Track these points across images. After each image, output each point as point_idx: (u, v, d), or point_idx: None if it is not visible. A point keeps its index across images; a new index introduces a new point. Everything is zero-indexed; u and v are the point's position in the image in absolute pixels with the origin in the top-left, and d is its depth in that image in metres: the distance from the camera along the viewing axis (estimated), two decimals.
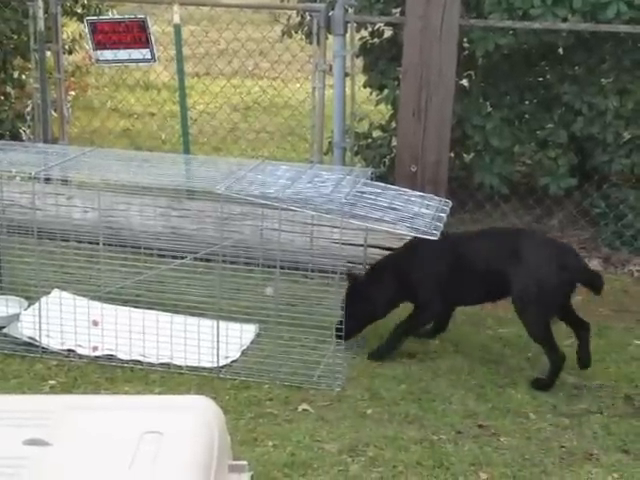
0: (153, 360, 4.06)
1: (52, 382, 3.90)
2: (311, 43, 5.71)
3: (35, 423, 1.82)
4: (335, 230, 4.89)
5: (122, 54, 5.78)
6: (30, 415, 1.86)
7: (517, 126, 5.76)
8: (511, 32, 5.36)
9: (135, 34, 5.68)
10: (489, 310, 4.39)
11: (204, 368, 4.03)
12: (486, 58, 5.66)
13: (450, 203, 4.29)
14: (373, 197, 4.10)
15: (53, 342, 4.13)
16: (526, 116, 5.82)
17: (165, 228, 5.30)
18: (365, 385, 3.96)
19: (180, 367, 4.03)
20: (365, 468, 3.34)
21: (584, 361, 4.05)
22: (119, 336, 4.06)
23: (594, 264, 5.21)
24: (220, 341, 4.04)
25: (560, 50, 5.71)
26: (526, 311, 3.99)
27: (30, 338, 4.14)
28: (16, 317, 4.27)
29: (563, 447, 3.54)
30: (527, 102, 5.82)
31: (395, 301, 4.25)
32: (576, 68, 5.67)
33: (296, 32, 6.12)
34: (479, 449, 3.49)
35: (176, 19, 5.77)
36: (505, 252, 4.03)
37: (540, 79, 5.89)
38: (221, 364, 4.04)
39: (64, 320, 4.07)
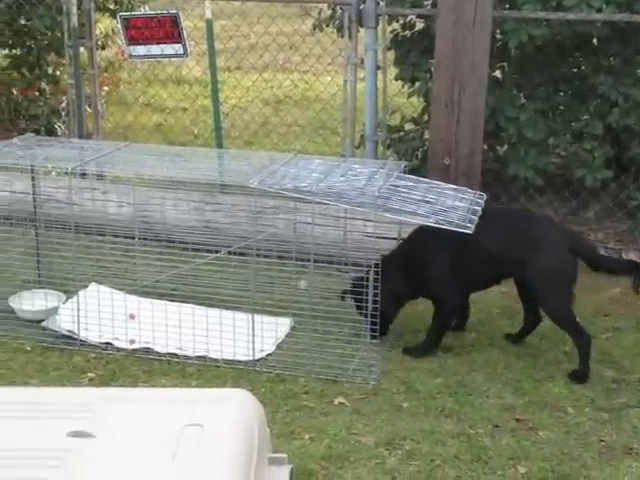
0: (189, 353, 4.09)
1: (91, 375, 3.94)
2: (342, 36, 5.70)
3: (78, 415, 1.84)
4: (368, 223, 4.90)
5: (155, 49, 5.81)
6: (73, 407, 1.88)
7: (551, 117, 5.70)
8: (545, 23, 5.30)
9: (167, 29, 5.70)
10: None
11: (240, 361, 4.04)
12: (519, 49, 5.60)
13: (484, 196, 4.26)
14: (406, 190, 4.09)
15: (91, 335, 4.17)
16: (561, 107, 5.76)
17: (199, 222, 5.33)
18: (400, 378, 3.95)
19: (216, 360, 4.05)
20: (402, 461, 3.33)
21: (519, 339, 4.28)
22: (156, 329, 4.09)
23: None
24: (255, 334, 4.06)
25: (595, 41, 5.64)
26: (549, 297, 3.99)
27: (69, 331, 4.19)
28: (55, 311, 4.32)
29: (602, 441, 3.51)
30: (562, 93, 5.76)
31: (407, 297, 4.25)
32: (611, 59, 5.59)
33: (327, 25, 6.09)
34: (517, 443, 3.47)
35: (208, 14, 5.79)
36: (517, 236, 4.02)
37: (575, 70, 5.82)
38: (256, 357, 4.06)
39: (102, 313, 4.11)
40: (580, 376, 3.94)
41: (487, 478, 3.26)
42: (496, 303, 4.68)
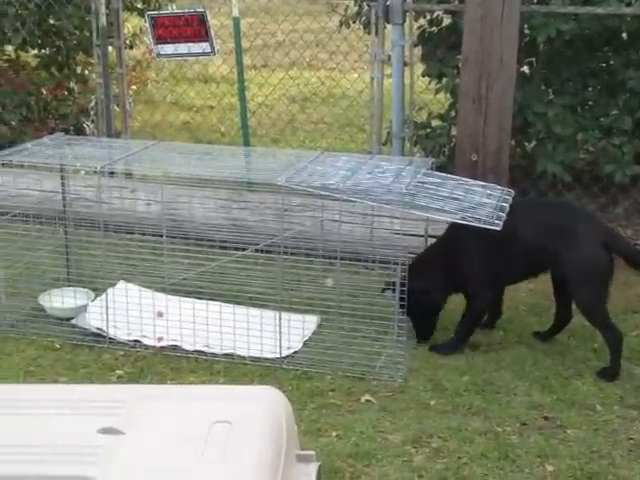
0: (217, 351, 4.10)
1: (119, 372, 3.98)
2: (369, 33, 5.69)
3: (108, 412, 1.86)
4: (395, 221, 4.89)
5: (182, 48, 5.84)
6: (103, 404, 1.90)
7: (580, 113, 5.66)
8: (573, 18, 5.26)
9: (195, 28, 5.73)
10: (553, 301, 4.32)
11: (267, 359, 4.06)
12: (548, 44, 5.56)
13: (512, 192, 4.23)
14: (434, 187, 4.07)
15: (120, 333, 4.20)
16: (589, 103, 5.71)
17: (226, 220, 5.35)
18: (427, 376, 3.94)
19: (243, 358, 4.07)
20: (429, 459, 3.33)
21: (548, 337, 4.24)
22: (183, 327, 4.12)
23: None
24: (282, 332, 4.07)
25: (624, 35, 5.58)
26: (583, 291, 3.96)
27: (98, 329, 4.22)
28: (84, 308, 4.36)
29: (631, 439, 3.48)
30: (590, 88, 5.71)
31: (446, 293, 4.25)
32: None
33: (354, 22, 6.09)
34: (545, 441, 3.45)
35: (235, 12, 5.81)
36: (552, 229, 3.99)
37: (604, 65, 5.76)
38: (283, 355, 4.07)
39: (130, 311, 4.14)
40: (610, 374, 3.91)
41: (515, 476, 3.25)
42: (524, 300, 4.66)
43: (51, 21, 6.98)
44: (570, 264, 3.94)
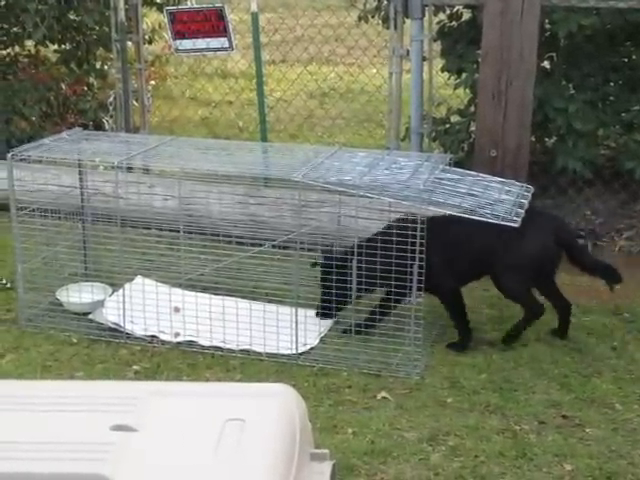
0: (233, 347, 4.10)
1: (136, 367, 3.98)
2: (388, 28, 5.66)
3: (121, 409, 1.85)
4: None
5: (201, 43, 5.84)
6: (116, 401, 1.89)
7: (601, 108, 5.60)
8: (595, 12, 5.20)
9: (213, 23, 5.73)
10: (572, 298, 4.28)
11: (283, 355, 4.05)
12: (569, 39, 5.50)
13: (531, 189, 4.20)
14: (452, 183, 4.04)
15: (137, 328, 4.21)
16: (611, 98, 5.65)
17: (243, 216, 5.34)
18: (444, 374, 3.92)
19: (259, 354, 4.07)
20: (446, 457, 3.30)
21: (562, 333, 4.20)
22: (200, 323, 4.12)
23: None
24: (298, 328, 4.06)
25: None
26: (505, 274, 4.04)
27: (115, 324, 4.23)
28: (101, 303, 4.37)
29: None
30: (612, 84, 5.64)
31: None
32: None
33: (373, 17, 6.06)
34: (563, 440, 3.41)
35: (253, 7, 5.80)
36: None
37: (625, 60, 5.70)
38: (300, 351, 4.06)
39: (147, 306, 4.14)
40: (509, 340, 4.08)
41: (532, 475, 3.22)
42: (542, 298, 4.61)
43: (71, 16, 7.00)
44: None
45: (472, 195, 3.95)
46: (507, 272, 4.05)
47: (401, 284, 3.92)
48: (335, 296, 4.06)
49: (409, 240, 3.81)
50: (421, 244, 3.78)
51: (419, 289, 3.89)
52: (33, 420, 1.84)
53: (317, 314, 4.19)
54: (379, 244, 3.93)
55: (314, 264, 4.19)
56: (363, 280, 3.98)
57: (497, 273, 4.08)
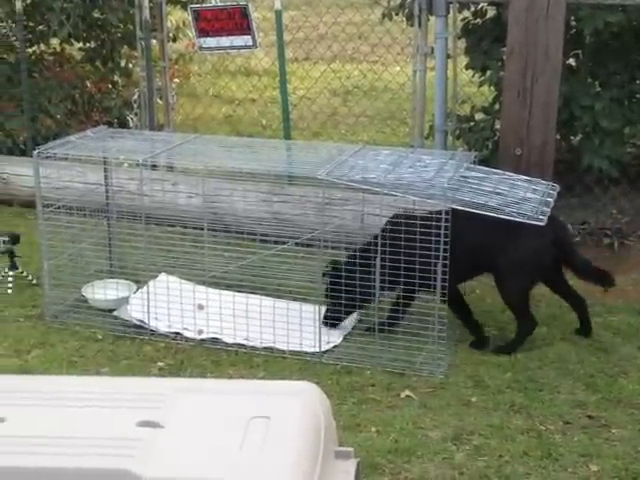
0: (257, 344, 4.11)
1: (160, 364, 4.00)
2: (412, 25, 5.64)
3: (148, 405, 1.86)
4: None
5: (224, 41, 5.85)
6: (143, 397, 1.90)
7: (627, 106, 5.55)
8: (621, 9, 5.16)
9: (237, 21, 5.74)
10: (598, 297, 4.25)
11: (306, 352, 4.05)
12: (594, 36, 5.46)
13: (557, 187, 4.16)
14: (477, 182, 4.02)
15: (161, 325, 4.23)
16: (637, 96, 5.60)
17: (267, 213, 5.35)
18: (468, 373, 3.90)
19: (283, 351, 4.07)
20: (470, 457, 3.29)
21: (585, 331, 4.17)
22: (224, 320, 4.13)
23: None
24: (322, 326, 4.06)
25: None
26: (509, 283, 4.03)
27: (139, 321, 4.25)
28: (126, 300, 4.39)
29: None
30: (638, 81, 5.60)
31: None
32: None
33: (397, 14, 6.04)
34: (589, 440, 3.39)
35: (277, 5, 5.80)
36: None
37: None
38: (323, 349, 4.06)
39: (171, 303, 4.16)
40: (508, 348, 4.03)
41: (558, 475, 3.20)
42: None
43: (96, 15, 7.05)
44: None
45: (497, 193, 3.93)
46: (506, 273, 4.02)
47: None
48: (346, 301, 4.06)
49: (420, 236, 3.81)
50: (445, 241, 3.76)
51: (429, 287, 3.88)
52: (60, 415, 1.85)
53: (325, 324, 4.16)
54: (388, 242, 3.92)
55: (324, 274, 4.18)
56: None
57: (497, 273, 4.06)
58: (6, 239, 4.71)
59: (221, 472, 1.69)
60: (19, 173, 6.07)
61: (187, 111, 7.71)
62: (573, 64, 5.70)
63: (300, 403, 1.94)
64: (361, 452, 3.17)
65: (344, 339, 4.17)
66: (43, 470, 1.68)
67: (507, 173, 4.29)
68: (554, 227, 3.98)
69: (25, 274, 4.76)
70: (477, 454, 3.31)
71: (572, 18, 5.34)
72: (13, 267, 4.74)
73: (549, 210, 3.84)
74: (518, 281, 4.03)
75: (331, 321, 4.16)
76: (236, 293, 4.35)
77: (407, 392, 3.74)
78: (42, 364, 3.98)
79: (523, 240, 3.94)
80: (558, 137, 5.48)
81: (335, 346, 4.11)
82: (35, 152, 4.26)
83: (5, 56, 7.07)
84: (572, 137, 5.83)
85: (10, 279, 4.70)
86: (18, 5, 6.37)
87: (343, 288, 4.02)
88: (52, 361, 4.01)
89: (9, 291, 4.68)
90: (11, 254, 4.73)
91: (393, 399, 3.70)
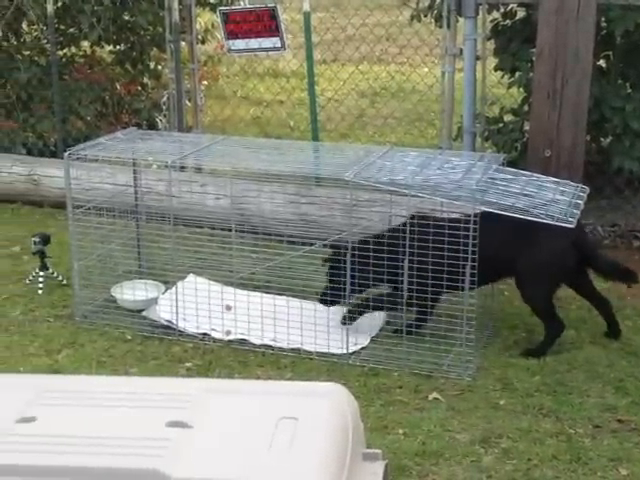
0: (284, 345, 4.11)
1: (188, 364, 4.02)
2: (441, 27, 5.63)
3: (177, 406, 1.87)
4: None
5: (253, 43, 5.88)
6: (172, 398, 1.91)
7: None
8: None
9: (266, 23, 5.76)
10: (628, 301, 4.21)
11: (333, 354, 4.05)
12: (625, 37, 5.41)
13: (587, 189, 4.13)
14: (505, 183, 4.00)
15: (189, 325, 4.25)
16: None
17: (294, 215, 5.36)
18: (497, 375, 3.88)
19: (310, 353, 4.07)
20: (498, 460, 3.27)
21: (614, 333, 4.14)
22: (251, 321, 4.14)
23: None
24: (349, 328, 4.06)
25: None
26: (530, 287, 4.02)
27: (168, 321, 4.28)
28: (154, 301, 4.42)
29: None
30: None
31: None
32: None
33: (425, 16, 6.02)
34: (619, 444, 3.35)
35: (306, 6, 5.81)
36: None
37: None
38: (350, 350, 4.06)
39: (199, 304, 4.18)
40: (538, 353, 4.01)
41: (587, 479, 3.17)
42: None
43: (126, 17, 7.10)
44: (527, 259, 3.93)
45: (526, 195, 3.90)
46: (527, 276, 4.00)
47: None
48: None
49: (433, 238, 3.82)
50: (474, 243, 3.75)
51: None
52: (90, 415, 1.87)
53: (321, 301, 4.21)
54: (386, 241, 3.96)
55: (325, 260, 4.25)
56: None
57: (518, 276, 4.04)
58: (37, 240, 4.76)
59: (249, 473, 1.70)
60: (50, 174, 6.14)
61: (215, 113, 7.75)
62: (603, 65, 5.66)
63: (328, 404, 1.95)
64: (388, 454, 3.17)
65: (371, 341, 4.16)
66: (72, 469, 1.70)
67: (536, 175, 4.25)
68: (574, 228, 3.95)
69: (55, 274, 4.81)
70: (505, 457, 3.29)
71: (602, 19, 5.30)
72: (44, 267, 4.79)
73: (578, 212, 3.81)
74: (540, 284, 4.01)
75: (325, 298, 4.17)
76: (264, 294, 4.36)
77: (435, 394, 3.72)
78: (72, 364, 4.01)
79: (544, 242, 3.91)
80: (588, 139, 5.43)
81: (362, 348, 4.11)
82: (66, 154, 4.30)
83: (37, 58, 7.15)
84: (602, 139, 5.77)
85: (41, 279, 4.76)
86: (50, 8, 6.44)
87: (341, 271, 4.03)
88: (81, 361, 4.04)
89: (40, 291, 4.73)
90: (42, 255, 4.78)
91: (421, 401, 3.69)
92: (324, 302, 4.21)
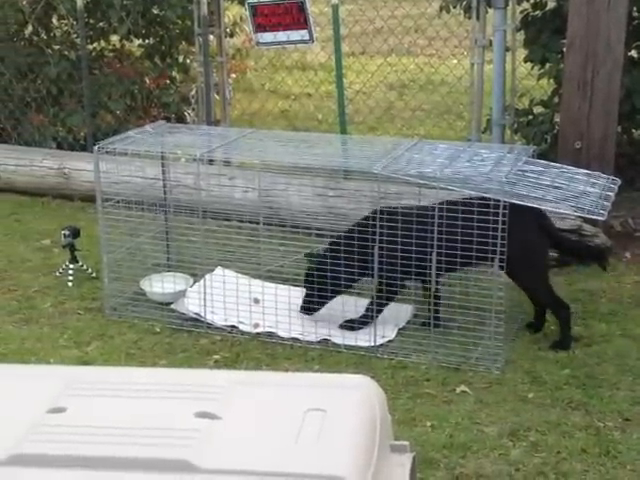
0: (312, 338, 4.12)
1: (216, 357, 4.04)
2: (470, 18, 5.59)
3: (206, 397, 1.88)
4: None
5: (281, 36, 5.87)
6: (201, 389, 1.92)
7: None
8: None
9: (294, 15, 5.74)
10: None
11: (361, 347, 4.05)
12: None
13: (618, 181, 4.08)
14: (535, 176, 3.97)
15: (217, 318, 4.27)
16: None
17: (322, 208, 5.35)
18: (525, 368, 3.85)
19: (338, 345, 4.07)
20: (527, 453, 3.25)
21: (536, 326, 4.16)
22: (279, 314, 4.15)
23: None
24: (377, 320, 4.05)
25: None
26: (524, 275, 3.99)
27: (196, 314, 4.30)
28: (183, 294, 4.45)
29: None
30: None
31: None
32: None
33: (454, 7, 5.99)
34: None
35: None
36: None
37: None
38: (378, 343, 4.05)
39: (227, 297, 4.19)
40: (563, 343, 3.97)
41: (616, 473, 3.15)
42: (629, 292, 4.50)
43: (155, 11, 7.13)
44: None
45: (556, 187, 3.87)
46: (515, 263, 3.91)
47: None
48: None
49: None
50: (502, 236, 3.72)
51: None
52: (119, 406, 1.88)
53: (302, 309, 4.22)
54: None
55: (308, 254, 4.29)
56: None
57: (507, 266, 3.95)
58: (67, 233, 4.81)
59: (277, 464, 1.70)
60: (80, 168, 6.19)
61: (244, 106, 7.77)
62: (635, 56, 5.58)
63: (356, 396, 1.94)
64: (416, 447, 3.13)
65: (399, 334, 4.15)
66: (102, 459, 1.72)
67: (566, 167, 4.22)
68: (536, 214, 3.92)
69: (85, 267, 4.85)
70: (534, 450, 3.27)
71: (634, 9, 5.23)
72: (74, 260, 4.83)
73: (609, 205, 3.77)
74: (532, 267, 3.97)
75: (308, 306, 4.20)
76: (291, 287, 4.37)
77: (463, 387, 3.71)
78: (101, 356, 4.05)
79: (518, 225, 3.84)
80: (619, 130, 5.37)
81: (389, 341, 4.11)
82: (96, 147, 4.34)
83: (66, 53, 7.20)
84: (634, 130, 5.71)
85: (71, 272, 4.80)
86: (79, 2, 6.48)
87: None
88: (110, 353, 4.08)
89: (69, 284, 4.78)
90: (72, 248, 4.83)
91: (448, 394, 3.68)
92: (306, 310, 4.21)
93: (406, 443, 2.01)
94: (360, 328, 4.11)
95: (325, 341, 4.10)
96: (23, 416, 1.82)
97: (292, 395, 1.93)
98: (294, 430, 1.78)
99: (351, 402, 1.92)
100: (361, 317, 4.15)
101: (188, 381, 2.00)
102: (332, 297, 4.17)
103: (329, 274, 4.04)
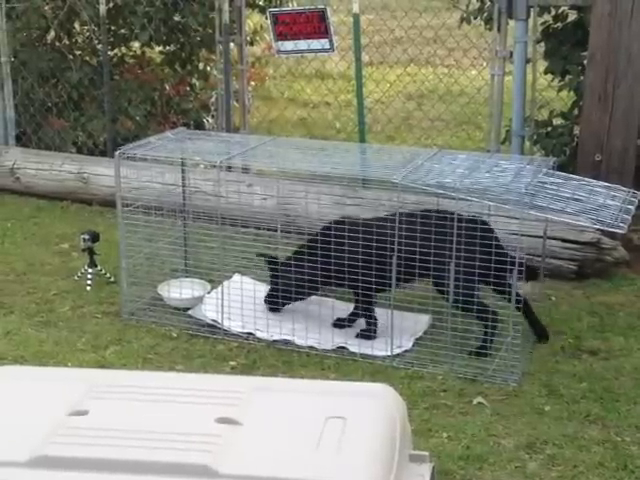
0: (328, 346, 4.12)
1: (233, 363, 4.05)
2: (491, 29, 5.59)
3: (226, 402, 1.89)
4: (513, 221, 4.77)
5: (302, 44, 5.89)
6: (222, 395, 1.93)
7: None
8: None
9: (315, 24, 5.77)
10: None
11: (377, 356, 4.04)
12: None
13: (638, 194, 4.06)
14: (555, 187, 3.95)
15: (234, 325, 4.27)
16: None
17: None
18: (542, 381, 3.84)
19: (354, 354, 4.07)
20: (543, 466, 3.24)
21: (539, 335, 4.13)
22: (296, 321, 4.15)
23: None
24: (393, 330, 4.05)
25: None
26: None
27: (213, 320, 4.31)
28: (200, 300, 4.46)
29: None
30: None
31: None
32: None
33: (475, 18, 5.99)
34: None
35: (355, 8, 5.81)
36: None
37: None
38: (394, 353, 4.05)
39: (244, 304, 4.20)
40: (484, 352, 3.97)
41: None
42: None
43: (176, 18, 7.17)
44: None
45: (576, 200, 3.85)
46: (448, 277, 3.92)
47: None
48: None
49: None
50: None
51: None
52: (141, 410, 1.89)
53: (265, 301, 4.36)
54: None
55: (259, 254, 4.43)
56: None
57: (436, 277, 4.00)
58: (86, 237, 4.83)
59: (297, 471, 1.71)
60: (99, 173, 6.23)
61: (263, 114, 7.79)
62: None
63: (376, 405, 1.95)
64: (432, 457, 3.15)
65: (415, 344, 4.15)
66: (122, 462, 1.73)
67: (586, 179, 4.20)
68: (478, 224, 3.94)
69: (103, 272, 4.87)
70: (551, 464, 3.25)
71: None
72: (92, 265, 4.86)
73: (629, 218, 3.75)
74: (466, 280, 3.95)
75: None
76: None
77: (479, 399, 3.70)
78: (118, 360, 4.07)
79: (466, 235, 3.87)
80: (639, 143, 5.34)
81: (406, 350, 4.10)
82: (117, 153, 4.36)
83: (88, 59, 7.26)
84: None
85: (89, 276, 4.83)
86: (102, 9, 6.53)
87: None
88: (128, 357, 4.09)
89: (88, 288, 4.80)
90: (91, 252, 4.85)
91: (465, 405, 3.66)
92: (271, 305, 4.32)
93: (426, 453, 2.01)
94: (375, 337, 4.11)
95: (341, 349, 4.10)
96: (46, 418, 1.84)
97: (312, 402, 1.93)
98: (314, 438, 1.79)
99: (371, 410, 1.92)
100: (367, 326, 4.17)
101: (209, 386, 2.01)
102: (297, 299, 4.29)
103: (292, 276, 4.19)
